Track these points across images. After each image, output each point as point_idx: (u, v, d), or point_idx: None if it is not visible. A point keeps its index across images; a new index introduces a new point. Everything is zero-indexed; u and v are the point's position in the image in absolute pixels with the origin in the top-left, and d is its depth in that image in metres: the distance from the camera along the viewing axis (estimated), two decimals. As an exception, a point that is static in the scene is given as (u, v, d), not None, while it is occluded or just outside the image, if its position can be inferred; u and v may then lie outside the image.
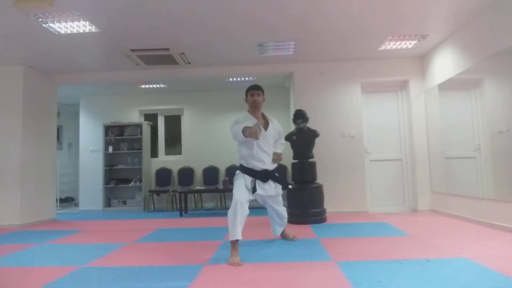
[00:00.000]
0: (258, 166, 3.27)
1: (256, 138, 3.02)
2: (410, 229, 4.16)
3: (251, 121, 3.24)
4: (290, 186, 3.62)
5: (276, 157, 3.39)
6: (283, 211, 3.65)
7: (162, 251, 3.49)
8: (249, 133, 2.99)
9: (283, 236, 3.77)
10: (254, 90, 3.36)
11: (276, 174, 3.44)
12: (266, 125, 3.37)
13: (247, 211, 3.07)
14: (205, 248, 3.49)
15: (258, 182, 3.27)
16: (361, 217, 5.25)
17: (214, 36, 4.78)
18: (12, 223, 5.33)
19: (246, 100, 3.41)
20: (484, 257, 2.79)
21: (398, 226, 4.37)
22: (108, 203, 7.54)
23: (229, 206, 3.06)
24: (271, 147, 3.39)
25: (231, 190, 3.28)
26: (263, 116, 3.43)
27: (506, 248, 3.15)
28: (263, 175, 3.29)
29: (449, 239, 3.53)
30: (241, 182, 3.23)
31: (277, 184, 3.43)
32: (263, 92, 3.39)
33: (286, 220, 3.73)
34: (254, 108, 3.36)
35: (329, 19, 4.37)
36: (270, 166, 3.35)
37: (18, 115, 5.54)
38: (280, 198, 3.58)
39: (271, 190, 3.37)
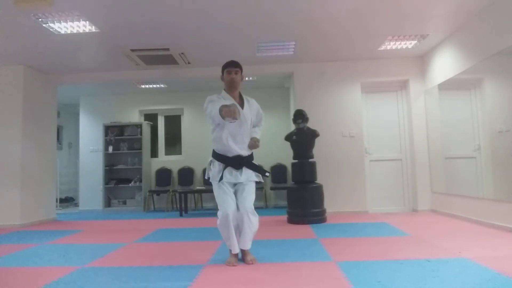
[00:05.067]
0: (231, 151, 2.89)
1: (235, 118, 2.66)
2: (410, 229, 4.15)
3: (226, 101, 2.86)
4: (267, 174, 3.09)
5: (252, 142, 2.94)
6: (248, 208, 2.85)
7: (162, 251, 3.49)
8: (226, 113, 2.63)
9: (242, 254, 2.94)
10: (231, 67, 2.99)
11: (254, 162, 3.04)
12: (242, 106, 2.97)
13: (236, 221, 2.84)
14: (205, 248, 3.49)
15: (228, 169, 2.88)
16: (361, 217, 5.24)
17: (214, 36, 4.78)
18: (12, 223, 5.33)
19: (222, 78, 3.05)
20: (484, 257, 2.79)
21: (398, 226, 4.37)
22: (108, 203, 7.54)
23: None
24: (248, 130, 2.97)
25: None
26: (240, 97, 3.04)
27: (506, 248, 3.15)
28: (235, 162, 2.90)
29: (449, 239, 3.53)
30: (223, 189, 2.86)
31: (250, 172, 2.96)
32: (241, 69, 3.03)
33: (252, 228, 2.87)
34: (231, 88, 2.98)
35: (329, 19, 4.37)
36: (245, 152, 2.95)
37: (18, 115, 5.54)
38: (249, 188, 2.93)
39: (242, 177, 2.91)
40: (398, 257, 2.90)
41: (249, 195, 2.91)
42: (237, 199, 2.89)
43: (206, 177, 3.04)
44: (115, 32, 4.53)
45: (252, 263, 2.85)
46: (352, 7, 4.05)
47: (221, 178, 2.86)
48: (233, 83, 2.97)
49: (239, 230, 2.88)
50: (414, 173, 5.78)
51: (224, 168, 2.89)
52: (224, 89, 3.04)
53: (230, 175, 2.89)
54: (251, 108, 3.02)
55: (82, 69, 6.05)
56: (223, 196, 2.86)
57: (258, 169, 3.02)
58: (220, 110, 2.67)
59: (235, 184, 2.94)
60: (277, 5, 3.98)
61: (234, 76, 2.97)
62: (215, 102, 2.87)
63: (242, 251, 2.92)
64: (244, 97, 3.06)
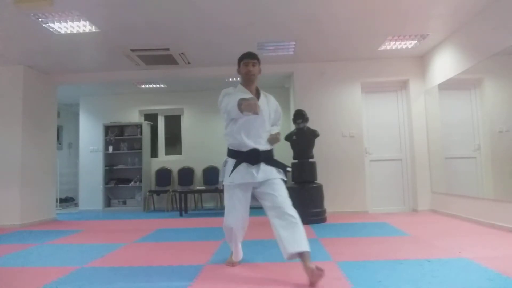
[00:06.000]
0: (245, 145, 2.61)
1: (255, 112, 2.42)
2: (410, 229, 4.15)
3: (244, 94, 2.60)
4: (288, 169, 2.81)
5: (273, 136, 2.72)
6: (285, 203, 2.59)
7: (162, 251, 3.49)
8: (246, 106, 2.40)
9: (306, 268, 2.33)
10: (248, 59, 2.72)
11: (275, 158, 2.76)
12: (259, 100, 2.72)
13: (243, 231, 2.82)
14: (205, 248, 3.49)
15: (244, 167, 2.59)
16: (361, 217, 5.24)
17: (214, 36, 4.78)
18: (12, 223, 5.33)
19: (238, 71, 2.79)
20: (484, 257, 2.79)
21: (398, 226, 4.36)
22: (108, 203, 7.54)
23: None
24: (264, 124, 2.69)
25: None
26: (257, 91, 2.79)
27: (506, 248, 3.15)
28: (251, 156, 2.60)
29: (449, 239, 3.53)
30: (233, 200, 2.66)
31: (270, 168, 2.65)
32: (259, 61, 2.77)
33: (295, 219, 2.53)
34: (248, 81, 2.73)
35: (329, 19, 4.37)
36: (263, 146, 2.66)
37: (18, 115, 5.54)
38: (278, 183, 2.64)
39: (259, 175, 2.59)
40: (398, 257, 2.90)
41: (280, 190, 2.58)
42: (266, 201, 2.58)
43: (220, 179, 2.83)
44: (115, 32, 4.53)
45: (320, 275, 2.27)
46: (352, 7, 4.05)
47: (232, 174, 2.59)
48: (250, 75, 2.71)
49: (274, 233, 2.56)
50: (414, 173, 5.78)
51: (238, 164, 2.59)
52: (241, 83, 2.80)
53: (246, 173, 2.58)
54: (269, 104, 2.79)
55: (82, 69, 6.05)
56: (231, 209, 2.67)
57: (278, 164, 2.69)
58: (239, 104, 2.43)
59: (254, 188, 2.65)
60: (277, 5, 3.98)
61: (251, 68, 2.70)
62: (231, 95, 2.64)
63: (303, 260, 2.37)
64: (261, 91, 2.82)
